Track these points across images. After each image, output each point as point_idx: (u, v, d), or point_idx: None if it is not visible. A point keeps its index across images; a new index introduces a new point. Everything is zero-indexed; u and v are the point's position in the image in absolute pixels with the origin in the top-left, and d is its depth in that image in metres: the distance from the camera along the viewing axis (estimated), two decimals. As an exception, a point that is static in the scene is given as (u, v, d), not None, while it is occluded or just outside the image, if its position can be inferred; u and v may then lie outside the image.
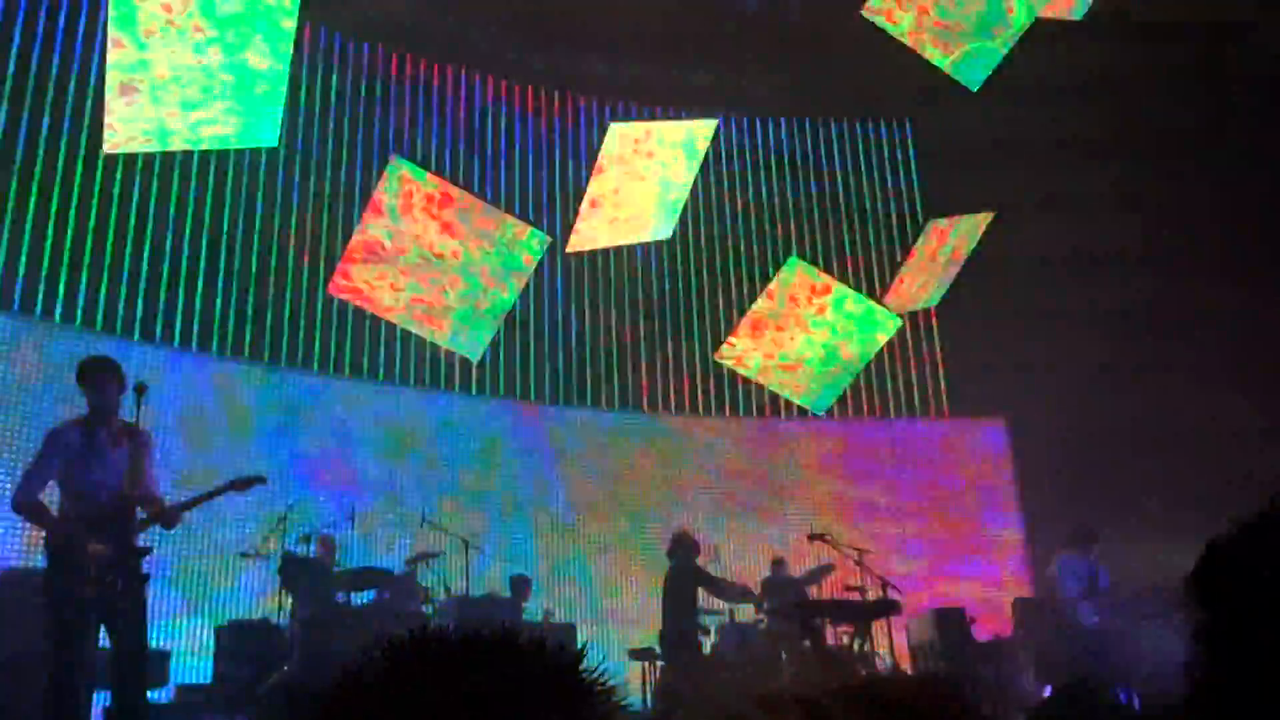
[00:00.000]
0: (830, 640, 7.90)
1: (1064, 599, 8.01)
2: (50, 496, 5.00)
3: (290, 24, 6.55)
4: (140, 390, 5.01)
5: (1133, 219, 11.16)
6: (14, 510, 4.95)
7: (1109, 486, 10.46)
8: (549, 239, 8.50)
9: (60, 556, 4.68)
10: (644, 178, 8.88)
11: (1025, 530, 12.44)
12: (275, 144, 7.77)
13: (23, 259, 9.25)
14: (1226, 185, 10.84)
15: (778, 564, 9.93)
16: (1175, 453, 10.33)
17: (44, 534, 4.88)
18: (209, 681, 7.71)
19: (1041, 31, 8.54)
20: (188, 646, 8.74)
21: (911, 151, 14.00)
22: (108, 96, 6.38)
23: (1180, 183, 10.95)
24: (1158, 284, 10.84)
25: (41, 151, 9.49)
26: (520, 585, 9.47)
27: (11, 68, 9.43)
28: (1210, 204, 10.89)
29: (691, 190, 9.71)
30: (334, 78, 11.60)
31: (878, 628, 8.03)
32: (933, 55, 8.32)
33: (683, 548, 8.31)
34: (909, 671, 8.46)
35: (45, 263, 9.37)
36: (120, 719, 4.89)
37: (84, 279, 9.60)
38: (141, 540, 4.97)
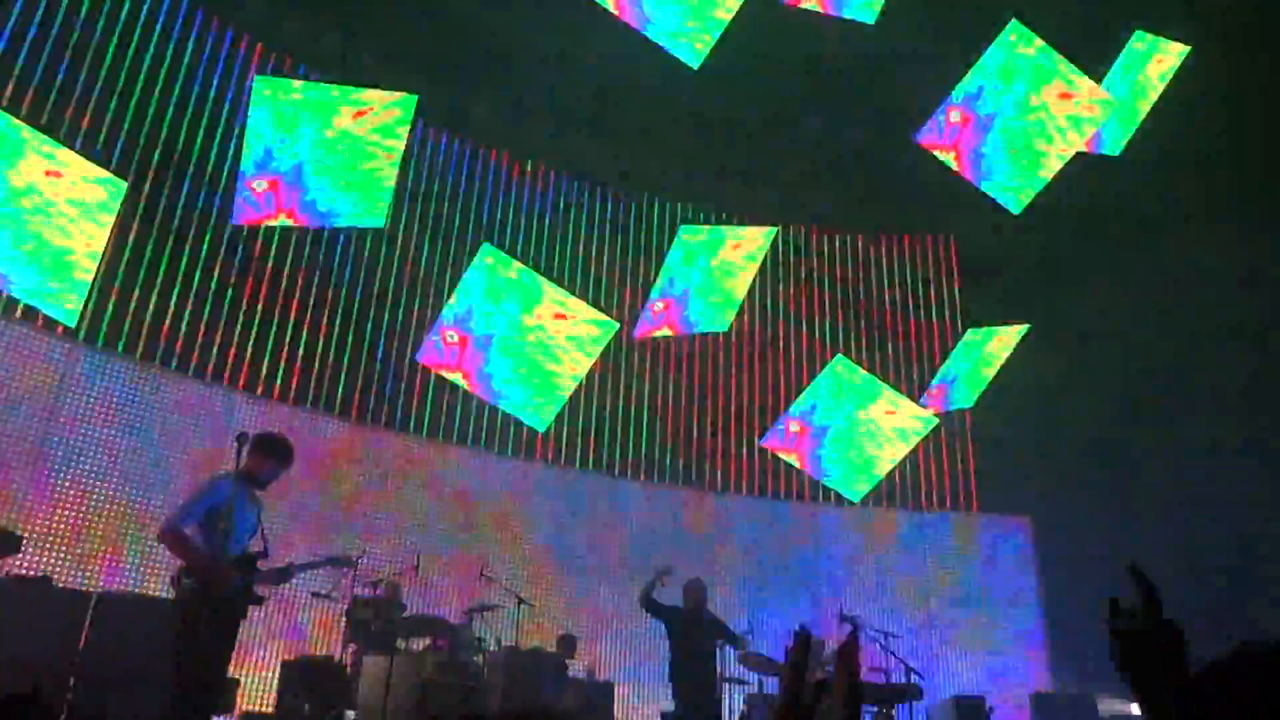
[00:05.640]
0: (855, 720, 7.62)
1: None
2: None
3: (403, 133, 6.83)
4: (242, 440, 5.12)
5: (1155, 337, 10.94)
6: (161, 537, 5.07)
7: (1126, 588, 10.01)
8: (617, 324, 8.57)
9: (202, 589, 4.75)
10: (706, 276, 8.96)
11: (1045, 627, 11.99)
12: (382, 225, 8.00)
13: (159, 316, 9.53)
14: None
15: (816, 643, 9.59)
16: (1196, 553, 9.85)
17: (178, 566, 4.96)
18: (272, 711, 7.65)
19: (1080, 160, 8.57)
20: (256, 676, 8.70)
21: (955, 263, 13.93)
22: (239, 176, 6.65)
23: (1213, 299, 10.66)
24: (1184, 393, 10.53)
25: (175, 224, 9.82)
26: (568, 643, 9.31)
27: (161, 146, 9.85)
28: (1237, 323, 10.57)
29: (749, 289, 9.76)
30: (437, 168, 11.96)
31: (900, 711, 7.75)
32: (978, 179, 8.35)
33: (694, 594, 7.81)
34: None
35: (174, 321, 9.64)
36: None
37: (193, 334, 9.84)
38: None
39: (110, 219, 6.35)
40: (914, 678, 7.83)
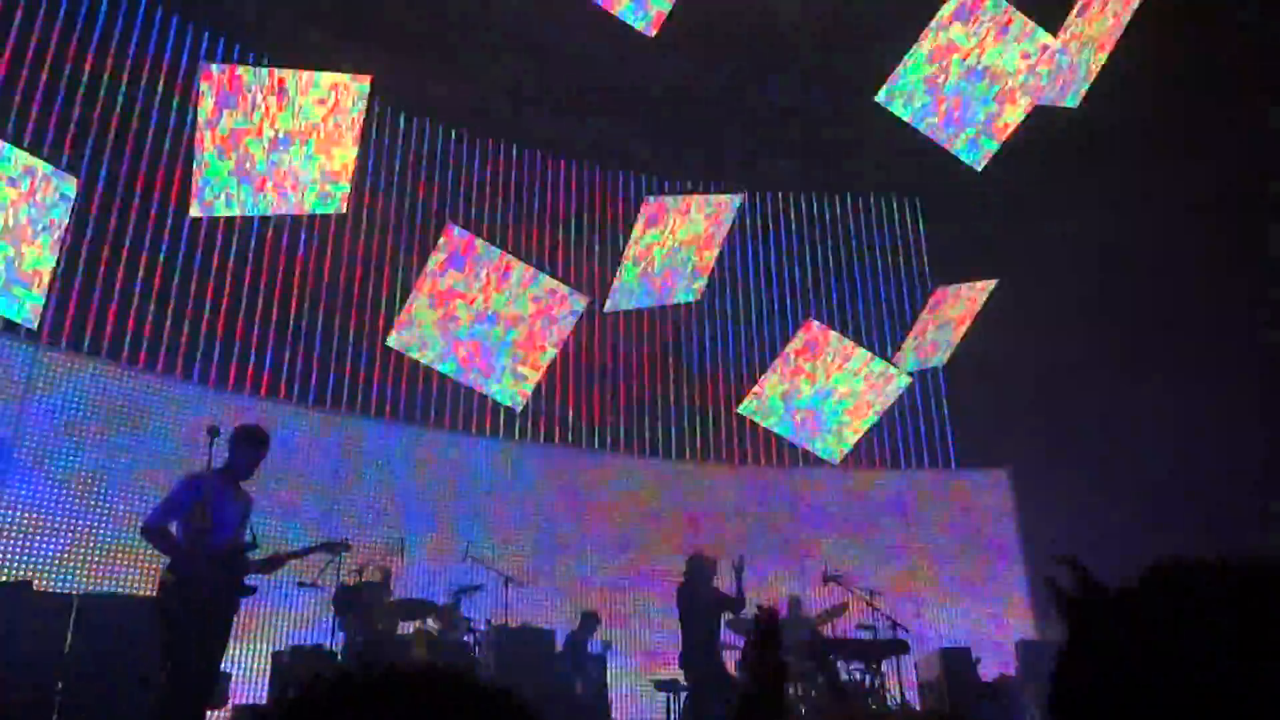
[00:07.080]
0: (843, 676, 7.75)
1: None
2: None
3: (360, 116, 6.76)
4: (213, 433, 5.11)
5: (1127, 278, 11.04)
6: (143, 533, 5.09)
7: (1105, 532, 10.19)
8: (587, 299, 8.57)
9: (182, 585, 4.74)
10: (675, 246, 8.96)
11: (1028, 575, 12.19)
12: (341, 211, 7.93)
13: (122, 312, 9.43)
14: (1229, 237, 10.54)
15: (795, 604, 9.76)
16: (1170, 495, 9.98)
17: (163, 563, 4.96)
18: (264, 704, 7.67)
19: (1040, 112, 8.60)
20: (247, 669, 8.71)
21: (921, 222, 14.02)
22: (195, 167, 6.56)
23: (1176, 237, 10.73)
24: (1151, 336, 10.63)
25: (134, 215, 9.70)
26: (589, 619, 9.51)
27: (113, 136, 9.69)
28: (1202, 258, 10.64)
29: (718, 258, 9.77)
30: (398, 150, 11.85)
31: (888, 666, 7.88)
32: (939, 137, 8.38)
33: (694, 568, 7.85)
34: (917, 708, 8.27)
35: (133, 314, 9.54)
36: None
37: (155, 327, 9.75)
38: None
39: (64, 218, 6.26)
40: (900, 633, 7.96)
